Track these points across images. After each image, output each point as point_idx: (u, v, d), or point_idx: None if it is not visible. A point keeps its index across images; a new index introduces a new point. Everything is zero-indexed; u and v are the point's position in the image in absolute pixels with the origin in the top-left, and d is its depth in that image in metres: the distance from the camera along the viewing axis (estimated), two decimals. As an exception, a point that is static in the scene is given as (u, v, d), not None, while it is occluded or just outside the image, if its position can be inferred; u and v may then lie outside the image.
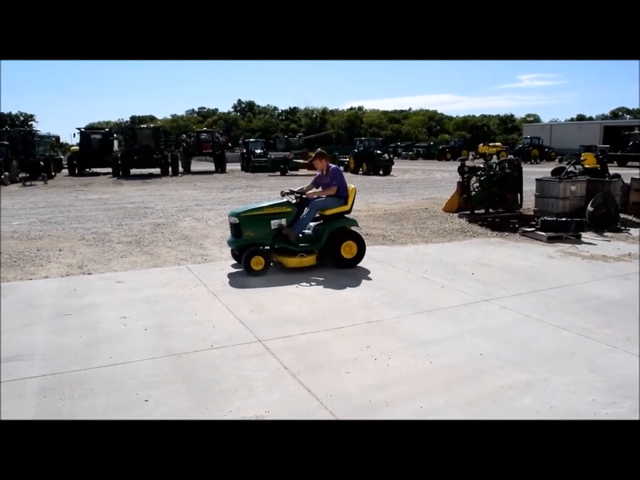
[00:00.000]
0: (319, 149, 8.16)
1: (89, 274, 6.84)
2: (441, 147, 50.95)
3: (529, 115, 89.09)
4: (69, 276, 6.74)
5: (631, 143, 34.16)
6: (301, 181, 23.59)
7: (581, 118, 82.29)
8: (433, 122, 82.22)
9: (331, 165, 7.38)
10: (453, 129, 78.57)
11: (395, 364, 4.01)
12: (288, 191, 7.25)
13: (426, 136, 73.24)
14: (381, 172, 27.79)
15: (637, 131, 35.98)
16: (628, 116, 78.47)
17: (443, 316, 5.09)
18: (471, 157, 43.51)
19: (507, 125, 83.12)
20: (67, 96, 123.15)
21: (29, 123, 71.44)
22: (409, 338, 4.54)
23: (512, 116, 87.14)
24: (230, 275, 6.69)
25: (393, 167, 28.67)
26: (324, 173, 7.31)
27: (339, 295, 5.82)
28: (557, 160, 41.75)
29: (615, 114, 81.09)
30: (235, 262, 7.19)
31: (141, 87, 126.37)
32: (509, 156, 40.95)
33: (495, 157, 43.69)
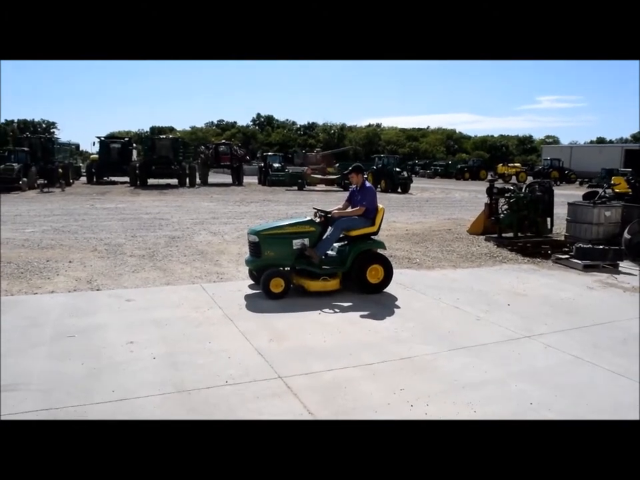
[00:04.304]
0: (357, 163, 7.69)
1: (97, 290, 6.45)
2: (459, 166, 50.48)
3: (547, 137, 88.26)
4: (77, 291, 6.35)
5: (653, 167, 33.40)
6: (318, 196, 23.28)
7: (601, 141, 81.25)
8: (451, 141, 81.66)
9: (366, 182, 6.94)
10: (471, 149, 77.88)
11: (434, 412, 3.52)
12: (320, 209, 6.79)
13: (444, 155, 72.65)
14: (400, 190, 27.43)
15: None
16: (649, 140, 77.25)
17: (482, 354, 4.58)
18: (489, 177, 42.99)
19: (525, 146, 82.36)
20: (89, 105, 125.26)
21: (51, 130, 72.19)
22: (447, 380, 4.04)
23: (530, 137, 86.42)
24: (247, 297, 6.24)
25: (411, 184, 28.29)
26: (358, 188, 6.88)
27: (366, 325, 5.34)
28: (577, 182, 41.07)
29: (636, 138, 79.83)
30: (252, 282, 6.76)
31: (161, 98, 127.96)
32: (528, 177, 40.51)
33: (514, 177, 43.14)
